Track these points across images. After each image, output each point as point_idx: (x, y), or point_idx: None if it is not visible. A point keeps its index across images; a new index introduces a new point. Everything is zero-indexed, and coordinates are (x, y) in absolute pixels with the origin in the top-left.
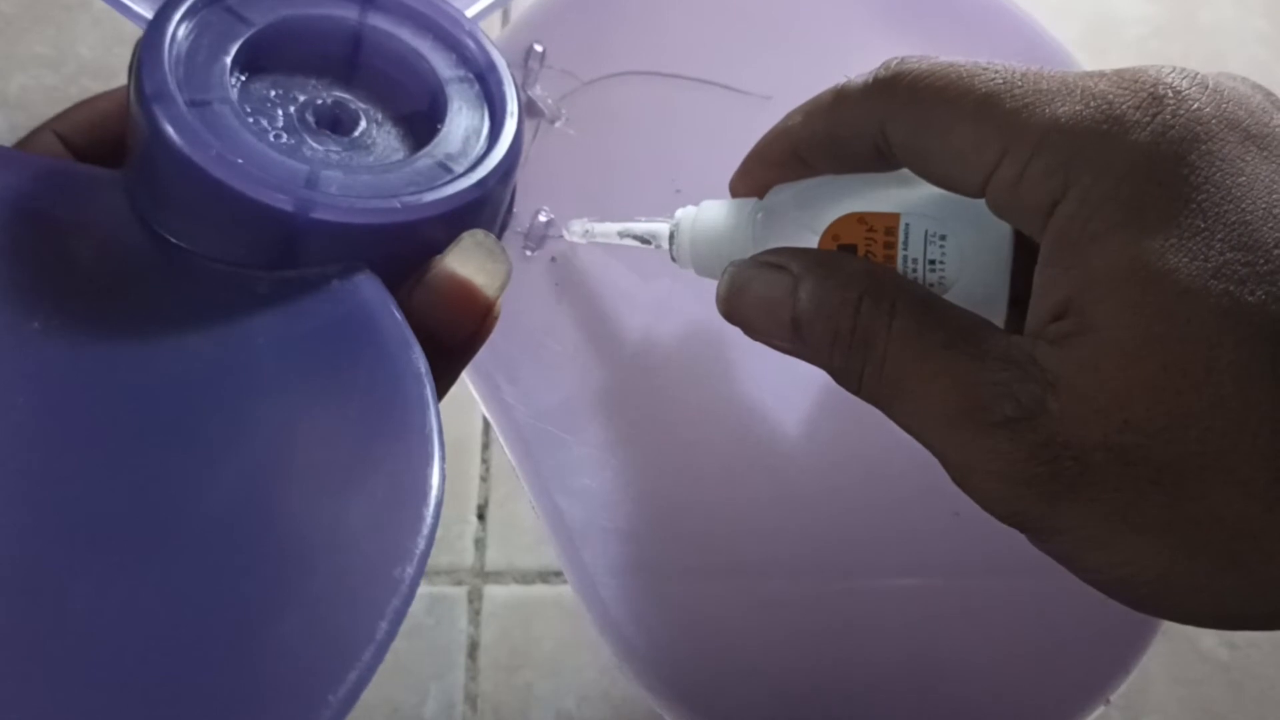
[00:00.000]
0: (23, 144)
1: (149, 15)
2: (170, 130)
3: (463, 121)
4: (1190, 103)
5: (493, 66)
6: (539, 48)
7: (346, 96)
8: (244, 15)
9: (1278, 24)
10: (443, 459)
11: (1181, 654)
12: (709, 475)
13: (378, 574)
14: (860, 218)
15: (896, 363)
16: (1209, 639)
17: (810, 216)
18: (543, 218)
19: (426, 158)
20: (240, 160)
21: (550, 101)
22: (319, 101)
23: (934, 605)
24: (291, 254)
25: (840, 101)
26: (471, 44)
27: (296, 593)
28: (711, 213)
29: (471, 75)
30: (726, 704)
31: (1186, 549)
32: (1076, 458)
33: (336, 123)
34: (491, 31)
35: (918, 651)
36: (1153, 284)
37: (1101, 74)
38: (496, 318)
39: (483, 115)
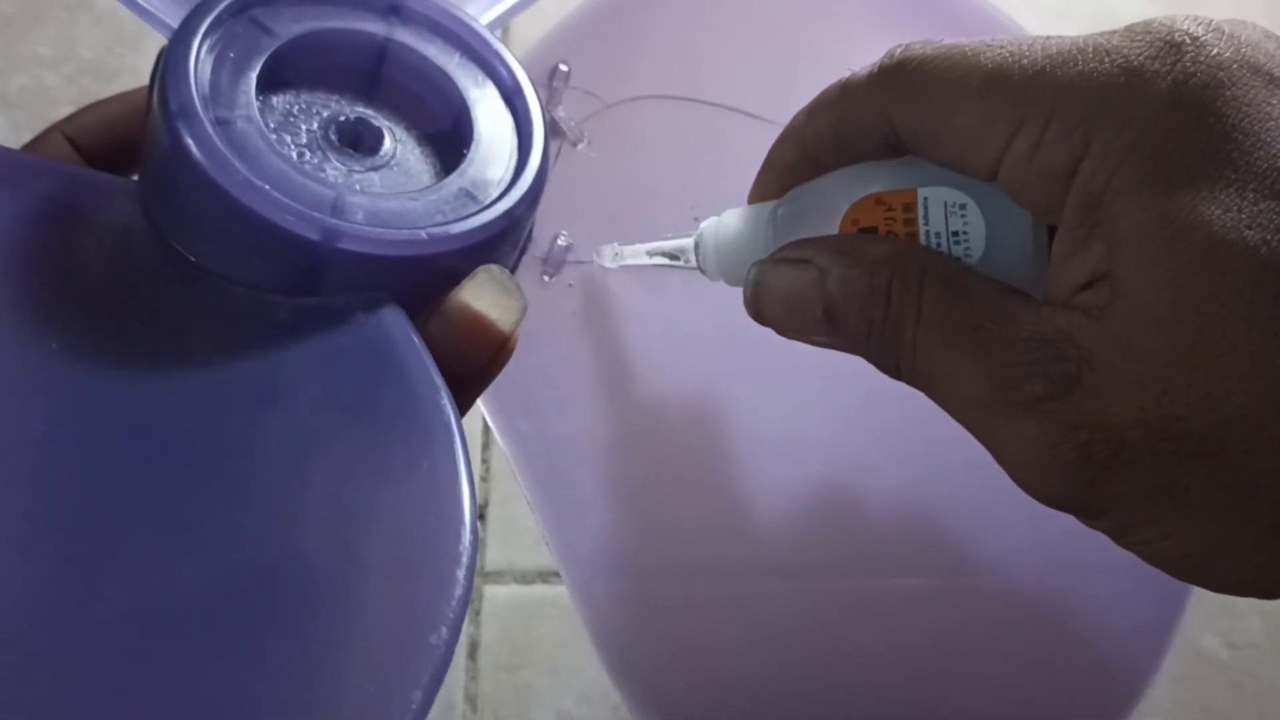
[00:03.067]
0: (31, 145)
1: (173, 23)
2: (195, 150)
3: (489, 146)
4: (1209, 49)
5: (520, 90)
6: (564, 68)
7: (370, 113)
8: (270, 28)
9: (1278, 23)
10: (475, 516)
11: (1181, 654)
12: (729, 517)
13: (413, 639)
14: (878, 198)
15: (926, 352)
16: (1209, 639)
17: (827, 207)
18: (561, 242)
19: (453, 185)
20: (266, 185)
21: (573, 123)
22: (342, 118)
23: (931, 607)
24: (314, 281)
25: (845, 95)
26: (499, 64)
27: (323, 659)
28: (732, 220)
29: (500, 96)
30: None
31: (1230, 520)
32: (1111, 437)
33: (358, 140)
34: (518, 49)
35: (914, 654)
36: (1184, 238)
37: (1112, 31)
38: (512, 350)
39: (510, 140)
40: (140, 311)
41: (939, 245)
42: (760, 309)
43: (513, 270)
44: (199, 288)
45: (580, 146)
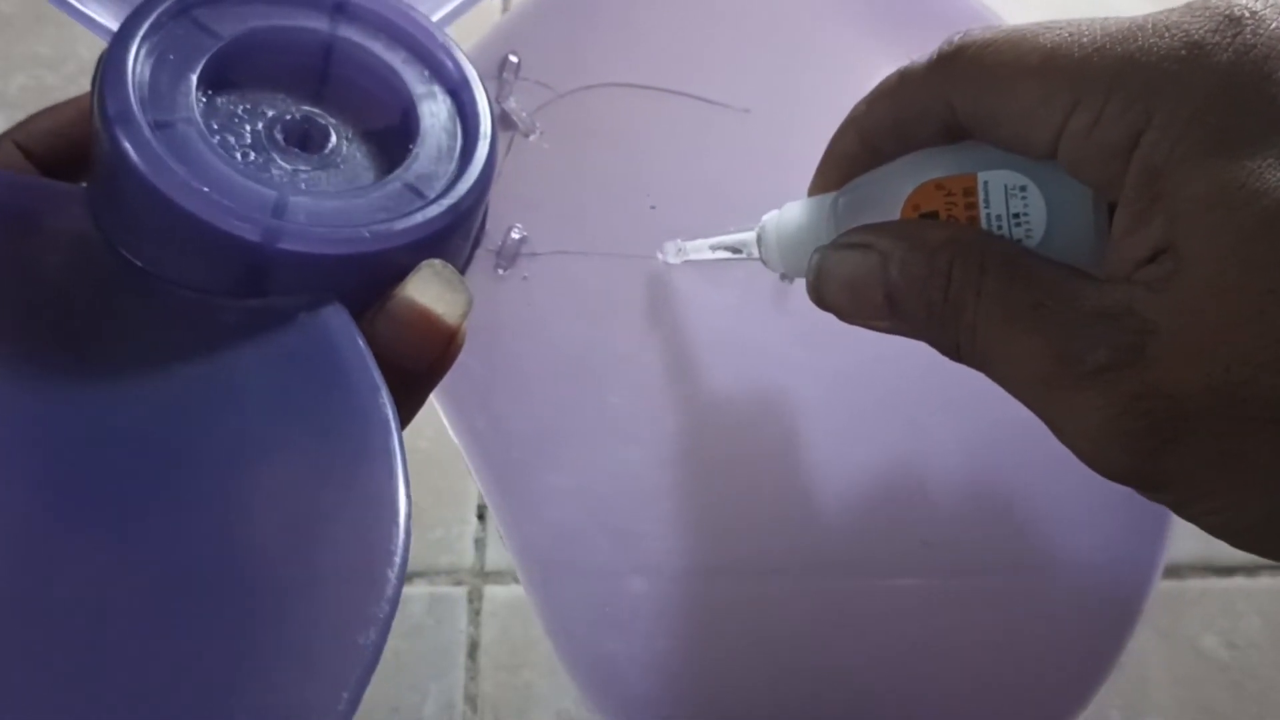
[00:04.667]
0: None
1: (113, 26)
2: (133, 154)
3: (435, 141)
4: (1268, 22)
5: (466, 83)
6: (514, 59)
7: (316, 112)
8: (211, 28)
9: None
10: (409, 516)
11: (1181, 654)
12: (684, 505)
13: (342, 640)
14: (938, 184)
15: (986, 329)
16: (1209, 639)
17: (888, 195)
18: (515, 235)
19: (397, 181)
20: (206, 187)
21: (525, 114)
22: (288, 117)
23: (907, 607)
24: (259, 283)
25: (904, 83)
26: (445, 58)
27: (255, 657)
28: (793, 212)
29: (445, 91)
30: None
31: None
32: (1175, 406)
33: (306, 139)
34: (467, 40)
35: (887, 654)
36: (1248, 205)
37: (1171, 9)
38: (460, 345)
39: (456, 135)
40: (89, 319)
41: (1000, 228)
42: (822, 294)
43: (466, 264)
44: (147, 293)
45: (533, 138)
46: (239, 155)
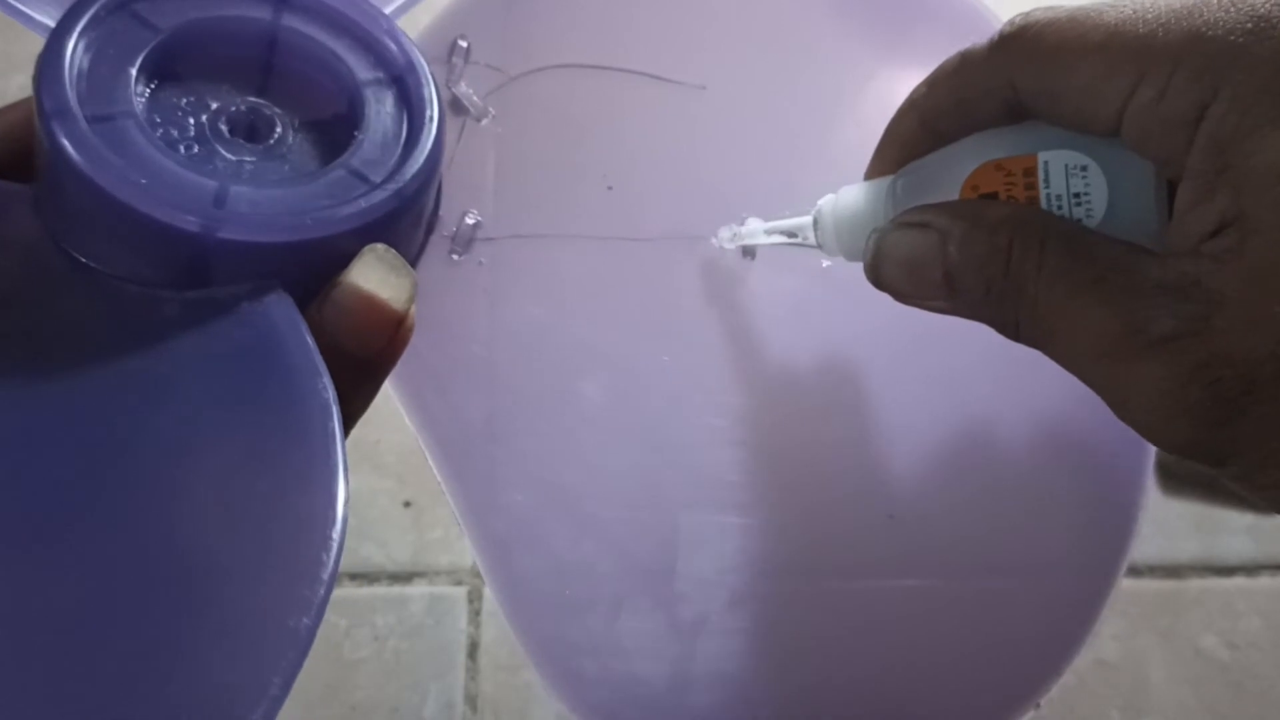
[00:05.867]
0: None
1: (51, 24)
2: (70, 149)
3: (380, 128)
4: None
5: (412, 67)
6: (464, 43)
7: (261, 102)
8: (151, 21)
9: None
10: (346, 500)
11: (1181, 654)
12: (641, 487)
13: (273, 624)
14: (997, 164)
15: (1048, 304)
16: (1209, 639)
17: (947, 176)
18: (470, 220)
19: (341, 168)
20: (144, 179)
21: (476, 99)
22: (233, 108)
23: (853, 608)
24: (202, 274)
25: (965, 63)
26: (390, 43)
27: (187, 644)
28: (850, 195)
29: (390, 77)
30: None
31: None
32: (1242, 375)
33: (252, 130)
34: (415, 25)
35: (836, 649)
36: None
37: None
38: (410, 329)
39: (402, 120)
40: (37, 318)
41: (1060, 208)
42: (880, 275)
43: (420, 251)
44: (94, 290)
45: (485, 122)
46: (182, 148)
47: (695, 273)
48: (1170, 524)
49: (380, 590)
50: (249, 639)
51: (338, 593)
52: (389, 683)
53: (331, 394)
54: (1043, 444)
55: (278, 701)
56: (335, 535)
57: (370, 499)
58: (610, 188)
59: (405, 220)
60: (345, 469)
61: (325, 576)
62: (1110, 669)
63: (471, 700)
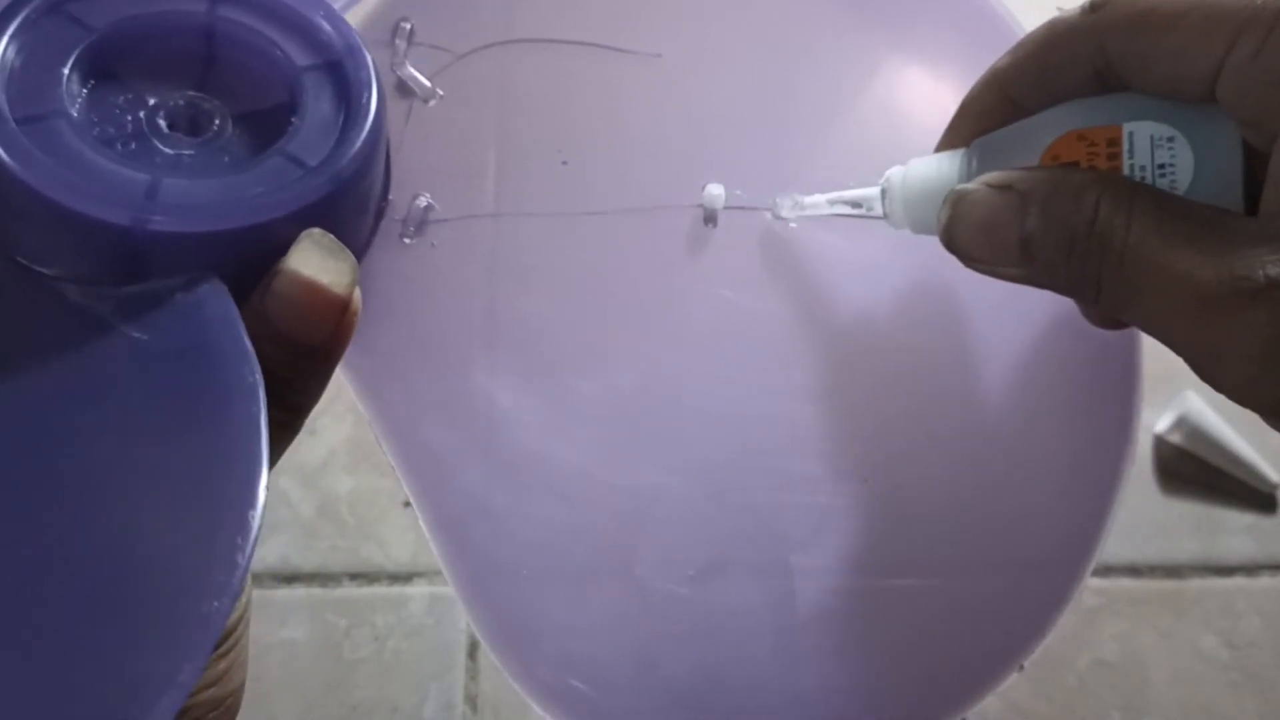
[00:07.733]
0: None
1: None
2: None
3: (318, 112)
4: None
5: (350, 51)
6: (407, 25)
7: (201, 96)
8: (85, 21)
9: None
10: (265, 485)
11: (1181, 654)
12: (603, 464)
13: (186, 610)
14: (1080, 134)
15: (1138, 257)
16: (1209, 639)
17: (1027, 145)
18: (421, 202)
19: (277, 154)
20: (75, 176)
21: (423, 80)
22: (171, 103)
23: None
24: (138, 269)
25: (1053, 31)
26: (326, 27)
27: (97, 635)
28: (922, 166)
29: (328, 62)
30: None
31: None
32: None
33: (192, 124)
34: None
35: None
36: None
37: None
38: (356, 313)
39: (340, 104)
40: None
41: (1143, 179)
42: (954, 238)
43: (370, 236)
44: (31, 290)
45: (433, 103)
46: (119, 145)
47: (653, 244)
48: (1170, 524)
49: (380, 590)
50: (160, 626)
51: (338, 592)
52: (389, 683)
53: (258, 379)
54: (1023, 401)
55: (184, 688)
56: (253, 519)
57: (370, 499)
58: (565, 162)
59: (346, 205)
60: (268, 453)
61: (241, 560)
62: (1110, 669)
63: (471, 700)
